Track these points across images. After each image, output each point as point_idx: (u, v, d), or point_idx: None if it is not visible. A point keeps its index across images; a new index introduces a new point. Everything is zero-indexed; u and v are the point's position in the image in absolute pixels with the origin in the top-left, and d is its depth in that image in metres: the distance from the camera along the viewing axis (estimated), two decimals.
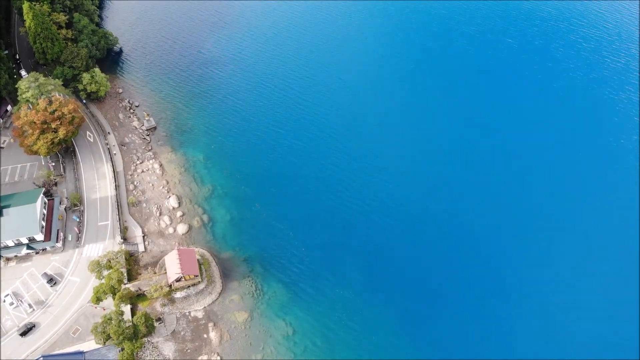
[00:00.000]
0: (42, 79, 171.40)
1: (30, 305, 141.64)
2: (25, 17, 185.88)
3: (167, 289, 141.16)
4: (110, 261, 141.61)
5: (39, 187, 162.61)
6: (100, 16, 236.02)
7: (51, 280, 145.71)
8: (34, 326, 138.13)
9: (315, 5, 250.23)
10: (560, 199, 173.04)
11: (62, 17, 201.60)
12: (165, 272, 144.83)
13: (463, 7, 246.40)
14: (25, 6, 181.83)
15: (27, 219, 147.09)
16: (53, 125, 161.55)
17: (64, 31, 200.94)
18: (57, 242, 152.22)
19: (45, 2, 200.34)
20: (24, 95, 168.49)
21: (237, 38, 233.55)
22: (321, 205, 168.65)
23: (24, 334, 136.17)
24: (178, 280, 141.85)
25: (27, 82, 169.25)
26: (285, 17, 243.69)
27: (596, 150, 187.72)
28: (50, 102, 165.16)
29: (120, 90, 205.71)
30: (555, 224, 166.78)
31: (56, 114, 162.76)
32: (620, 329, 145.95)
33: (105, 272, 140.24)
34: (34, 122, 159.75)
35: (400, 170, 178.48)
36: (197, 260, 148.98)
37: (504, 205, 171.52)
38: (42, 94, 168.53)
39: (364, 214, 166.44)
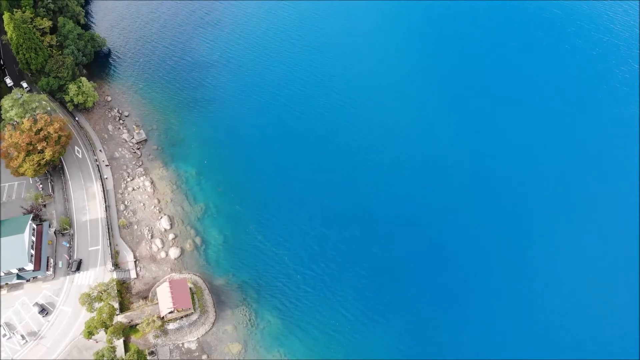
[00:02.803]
0: (26, 95, 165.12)
1: (23, 337, 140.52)
2: (6, 28, 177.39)
3: (160, 322, 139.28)
4: (101, 293, 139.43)
5: (27, 212, 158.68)
6: (87, 15, 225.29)
7: (43, 311, 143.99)
8: (82, 260, 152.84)
9: (312, 5, 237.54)
10: (561, 200, 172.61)
11: (46, 23, 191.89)
12: (158, 303, 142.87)
13: (464, 7, 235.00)
14: (6, 17, 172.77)
15: (15, 250, 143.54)
16: (39, 147, 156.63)
17: (48, 38, 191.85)
18: (47, 270, 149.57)
19: (27, 7, 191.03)
20: (7, 115, 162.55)
21: (232, 40, 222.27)
22: (317, 229, 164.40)
23: (77, 269, 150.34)
24: (170, 312, 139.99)
25: (10, 100, 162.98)
26: (281, 18, 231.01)
27: (597, 153, 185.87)
28: (35, 121, 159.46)
29: (109, 98, 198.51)
30: (555, 225, 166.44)
31: (41, 134, 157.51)
32: (620, 329, 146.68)
33: (97, 305, 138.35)
34: (19, 144, 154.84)
35: (399, 197, 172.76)
36: (190, 289, 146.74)
37: (504, 207, 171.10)
38: (26, 112, 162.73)
39: (361, 243, 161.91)
